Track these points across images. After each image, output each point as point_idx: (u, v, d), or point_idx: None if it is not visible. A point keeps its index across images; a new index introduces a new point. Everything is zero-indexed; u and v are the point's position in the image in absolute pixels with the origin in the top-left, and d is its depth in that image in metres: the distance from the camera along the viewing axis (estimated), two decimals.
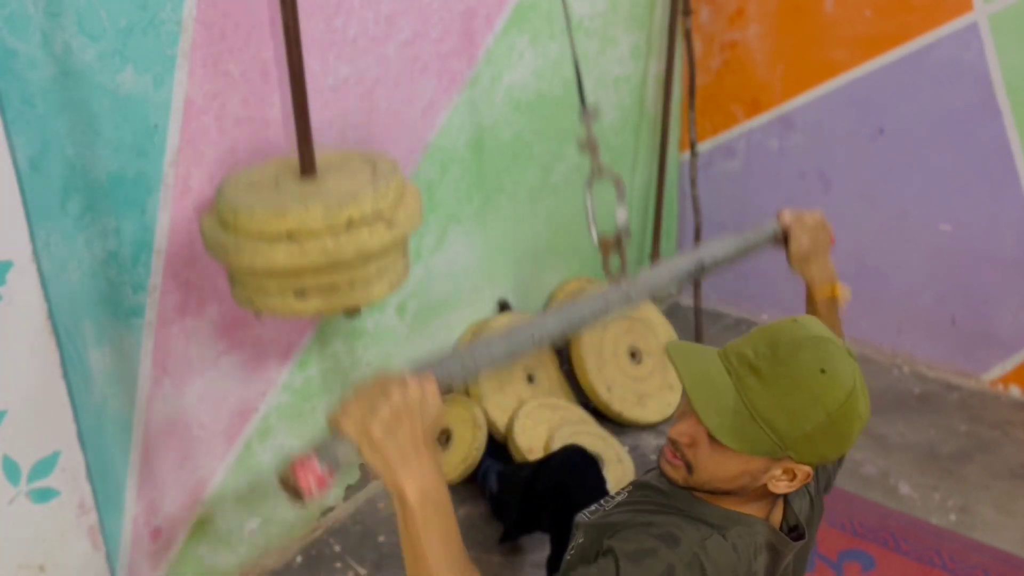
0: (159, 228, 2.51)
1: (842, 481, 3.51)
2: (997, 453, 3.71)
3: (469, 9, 3.24)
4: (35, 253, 2.14)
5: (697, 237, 4.47)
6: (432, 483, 1.42)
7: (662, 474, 1.82)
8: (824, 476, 2.03)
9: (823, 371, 1.55)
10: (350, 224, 2.28)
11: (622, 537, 1.65)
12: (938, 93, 3.87)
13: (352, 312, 2.51)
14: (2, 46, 2.05)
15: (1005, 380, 4.09)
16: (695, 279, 2.09)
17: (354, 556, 3.17)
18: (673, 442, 1.70)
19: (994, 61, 3.69)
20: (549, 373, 3.80)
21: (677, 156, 4.65)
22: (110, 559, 2.55)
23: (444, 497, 1.43)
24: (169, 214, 2.52)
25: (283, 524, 3.18)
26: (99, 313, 2.43)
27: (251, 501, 3.04)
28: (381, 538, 3.25)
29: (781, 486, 1.62)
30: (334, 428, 1.42)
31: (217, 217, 2.36)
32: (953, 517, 3.35)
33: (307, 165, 2.47)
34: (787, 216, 2.31)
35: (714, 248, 2.25)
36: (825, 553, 3.13)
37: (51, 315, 2.22)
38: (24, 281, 2.13)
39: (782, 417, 1.56)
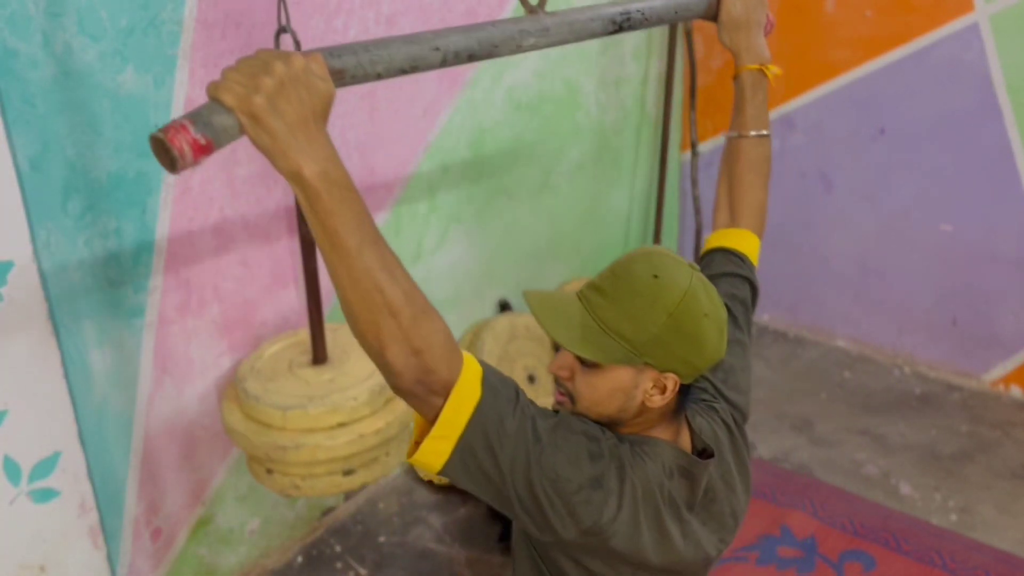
0: (160, 228, 2.51)
1: (843, 481, 3.52)
2: (998, 453, 3.71)
3: (470, 9, 3.24)
4: (36, 253, 2.14)
5: (698, 237, 4.47)
6: (330, 162, 1.30)
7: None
8: (730, 397, 1.99)
9: (655, 276, 1.58)
10: (387, 400, 2.62)
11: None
12: (939, 93, 3.87)
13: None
14: (3, 46, 2.05)
15: (1006, 380, 4.09)
16: (620, 30, 1.99)
17: (354, 556, 3.17)
18: (556, 379, 1.73)
19: (995, 61, 3.69)
20: (550, 374, 3.79)
21: (678, 156, 4.66)
22: (111, 559, 2.56)
23: (346, 177, 1.31)
24: (170, 214, 2.52)
25: (283, 524, 3.18)
26: (100, 313, 2.43)
27: (252, 501, 3.04)
28: (382, 538, 3.25)
29: (656, 399, 1.62)
30: (212, 97, 1.28)
31: (256, 420, 2.54)
32: (954, 517, 3.35)
33: (320, 355, 2.71)
34: None
35: (643, 1, 2.13)
36: (826, 553, 3.13)
37: (52, 315, 2.22)
38: (25, 281, 2.13)
39: (626, 324, 1.59)
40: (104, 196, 2.35)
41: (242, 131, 1.28)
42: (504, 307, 3.85)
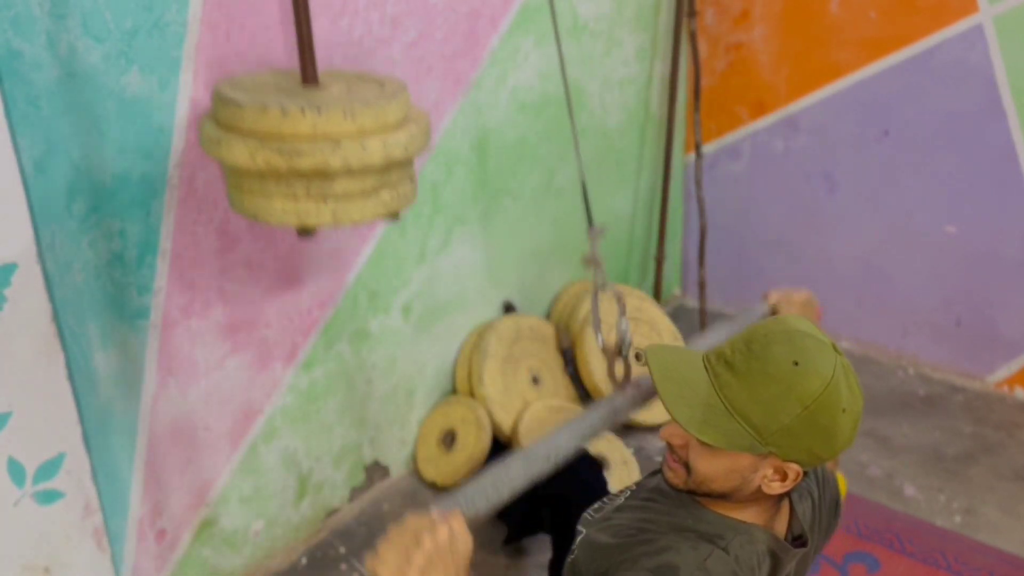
0: (164, 230, 2.51)
1: (847, 483, 3.52)
2: (1002, 455, 3.70)
3: (474, 11, 3.24)
4: (40, 255, 2.14)
5: (702, 239, 4.47)
6: None
7: (665, 478, 1.84)
8: (829, 487, 2.01)
9: (796, 363, 1.55)
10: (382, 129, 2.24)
11: (620, 571, 1.66)
12: (943, 95, 3.86)
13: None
14: (7, 47, 2.06)
15: (1010, 382, 4.09)
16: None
17: (359, 558, 3.17)
18: (668, 445, 1.72)
19: (999, 63, 3.68)
20: (554, 375, 3.80)
21: (682, 158, 4.66)
22: (115, 561, 2.56)
23: None
24: (174, 216, 2.52)
25: (288, 526, 3.18)
26: (104, 315, 2.43)
27: (256, 502, 3.04)
28: None
29: (775, 486, 1.62)
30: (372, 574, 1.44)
31: (247, 122, 2.20)
32: (958, 519, 3.34)
33: (309, 75, 2.39)
34: (774, 296, 2.32)
35: (710, 337, 2.26)
36: (830, 555, 3.12)
37: (56, 317, 2.22)
38: (29, 283, 2.13)
39: (757, 410, 1.57)
40: (108, 198, 2.35)
41: None
42: (509, 308, 3.85)
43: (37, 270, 2.15)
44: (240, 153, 2.13)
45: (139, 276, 2.49)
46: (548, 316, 4.12)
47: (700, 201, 4.44)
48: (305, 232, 2.31)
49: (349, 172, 2.17)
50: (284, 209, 2.21)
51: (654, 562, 1.61)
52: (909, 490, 3.49)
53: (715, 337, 2.25)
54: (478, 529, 3.25)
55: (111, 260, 2.41)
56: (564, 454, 1.85)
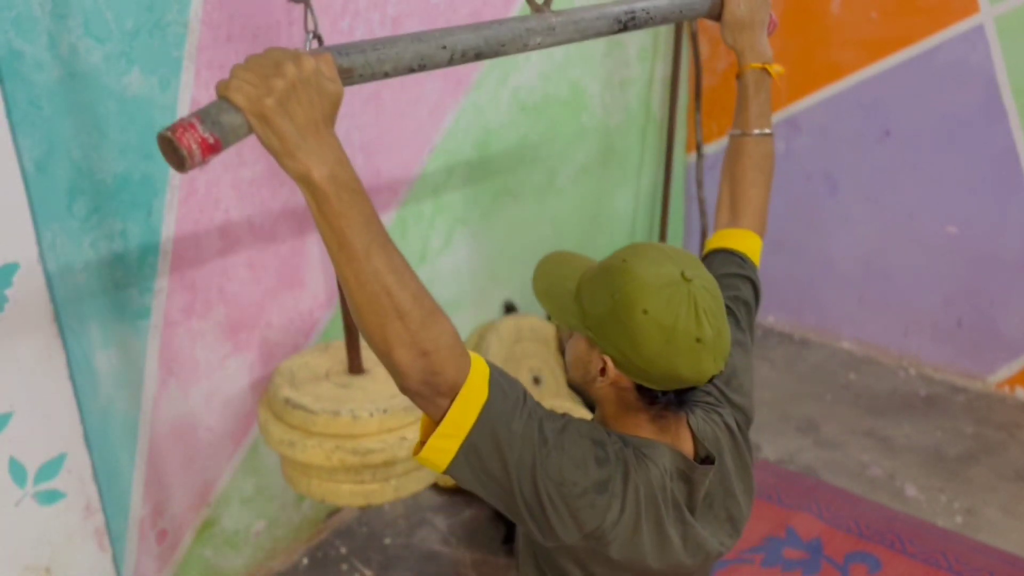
0: (165, 230, 2.51)
1: (848, 483, 3.52)
2: (1003, 455, 3.70)
3: (475, 11, 3.24)
4: (41, 255, 2.15)
5: (703, 239, 4.47)
6: (339, 164, 1.31)
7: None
8: (734, 400, 1.99)
9: (624, 260, 1.60)
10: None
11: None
12: (944, 95, 3.86)
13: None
14: (9, 48, 2.06)
15: (1011, 382, 4.09)
16: (625, 28, 2.00)
17: (360, 558, 3.17)
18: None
19: (1000, 63, 3.68)
20: (555, 375, 3.80)
21: (683, 158, 4.65)
22: (116, 561, 2.56)
23: (355, 179, 1.32)
24: (175, 216, 2.52)
25: (289, 526, 3.18)
26: (105, 315, 2.44)
27: (257, 503, 3.04)
28: (387, 540, 3.25)
29: (599, 381, 1.63)
30: (222, 96, 1.28)
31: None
32: (959, 519, 3.34)
33: (355, 366, 2.71)
34: None
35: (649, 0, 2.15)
36: (831, 555, 3.12)
37: (57, 317, 2.22)
38: (30, 283, 2.13)
39: (587, 294, 1.63)
40: (110, 198, 2.35)
41: (250, 131, 1.28)
42: (509, 309, 3.85)
43: (38, 270, 2.15)
44: (316, 455, 2.45)
45: (140, 276, 2.49)
46: (549, 316, 4.11)
47: (701, 201, 4.44)
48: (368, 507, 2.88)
49: (411, 458, 2.43)
50: (352, 492, 2.55)
51: (588, 430, 1.62)
52: (910, 490, 3.49)
53: (656, 2, 2.13)
54: (478, 529, 3.26)
55: (112, 260, 2.41)
56: (461, 49, 1.74)
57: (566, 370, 1.81)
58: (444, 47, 1.70)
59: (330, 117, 1.33)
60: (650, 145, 4.45)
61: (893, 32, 3.89)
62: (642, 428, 1.70)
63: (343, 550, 3.21)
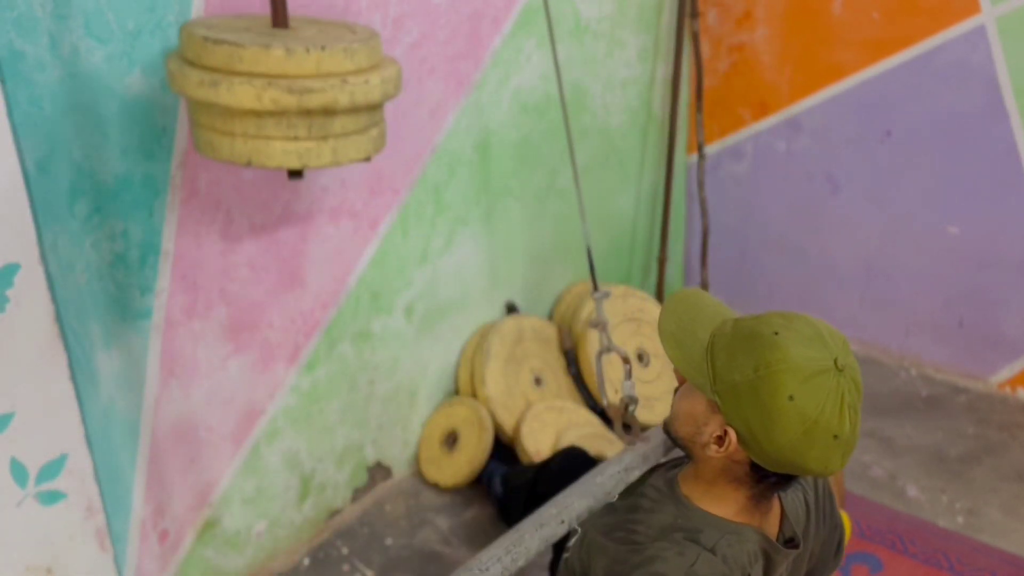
0: (166, 230, 2.51)
1: (849, 483, 3.51)
2: (1005, 456, 3.70)
3: (476, 12, 3.24)
4: (42, 256, 2.14)
5: (705, 239, 4.47)
6: None
7: (666, 471, 1.85)
8: (829, 509, 1.98)
9: (776, 333, 1.57)
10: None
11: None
12: (945, 96, 3.86)
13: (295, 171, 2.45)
14: (10, 48, 2.06)
15: (1013, 383, 4.08)
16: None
17: (361, 558, 3.17)
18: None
19: (1002, 63, 3.68)
20: (557, 376, 3.79)
21: (684, 158, 4.65)
22: (117, 561, 2.56)
23: None
24: (176, 217, 2.52)
25: (290, 526, 3.18)
26: (106, 315, 2.44)
27: (259, 503, 3.04)
28: (388, 540, 3.25)
29: (713, 448, 1.61)
30: None
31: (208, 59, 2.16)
32: (961, 520, 3.34)
33: (280, 18, 2.32)
34: None
35: None
36: None
37: (58, 317, 2.22)
38: (32, 284, 2.13)
39: (722, 357, 1.59)
40: (111, 198, 2.35)
41: None
42: (511, 309, 3.85)
43: (40, 271, 2.15)
44: (244, 94, 2.07)
45: (141, 277, 2.49)
46: (550, 317, 4.12)
47: (702, 202, 4.44)
48: (297, 174, 2.36)
49: (352, 109, 2.17)
50: (284, 150, 2.18)
51: (642, 572, 1.61)
52: (912, 491, 3.49)
53: None
54: (480, 530, 3.26)
55: (113, 261, 2.41)
56: (576, 515, 1.87)
57: (668, 421, 1.76)
58: (562, 521, 1.87)
59: None
60: (651, 146, 4.44)
61: (894, 32, 3.89)
62: (731, 505, 1.68)
63: (344, 550, 3.21)
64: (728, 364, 1.57)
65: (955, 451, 3.73)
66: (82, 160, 2.26)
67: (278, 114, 2.12)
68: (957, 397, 4.10)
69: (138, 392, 2.59)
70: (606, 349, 2.64)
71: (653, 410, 3.76)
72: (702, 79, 4.34)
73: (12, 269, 2.09)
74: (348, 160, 2.26)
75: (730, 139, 4.50)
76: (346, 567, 3.14)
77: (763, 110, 4.35)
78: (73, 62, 2.18)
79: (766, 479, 1.64)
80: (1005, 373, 4.10)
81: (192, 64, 2.17)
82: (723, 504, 1.69)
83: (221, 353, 2.78)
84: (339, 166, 2.43)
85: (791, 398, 1.51)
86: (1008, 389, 4.10)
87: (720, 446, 1.60)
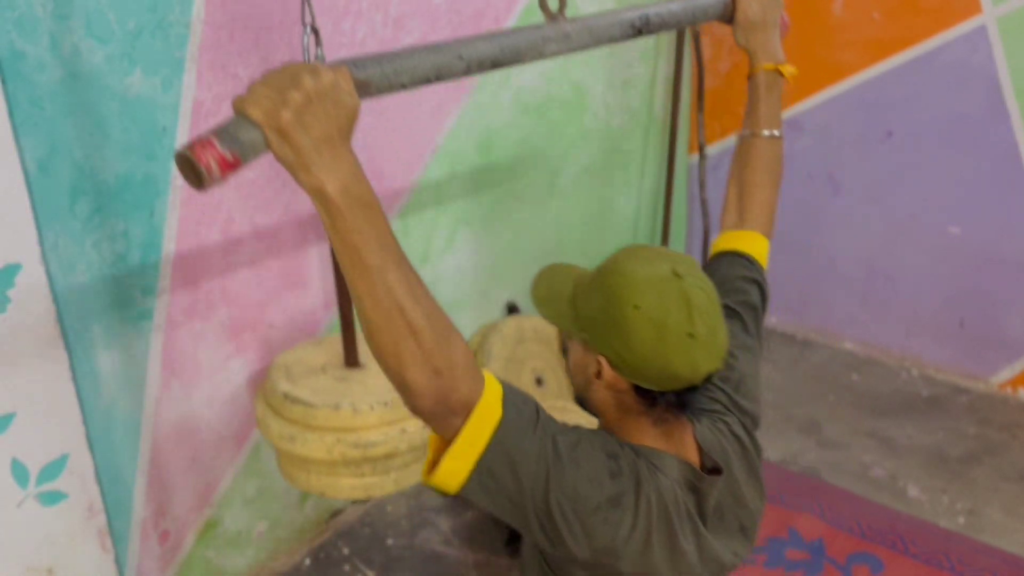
0: (167, 231, 2.51)
1: (850, 483, 3.51)
2: (1006, 456, 3.70)
3: (478, 11, 3.24)
4: (44, 256, 2.15)
5: (706, 239, 4.47)
6: (353, 178, 1.29)
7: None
8: (743, 405, 1.97)
9: (615, 260, 1.60)
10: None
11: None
12: (946, 96, 3.86)
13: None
14: (11, 48, 2.06)
15: (1014, 383, 4.08)
16: (639, 33, 2.01)
17: (362, 558, 3.17)
18: None
19: (1002, 64, 3.68)
20: (558, 376, 3.79)
21: (686, 158, 4.65)
22: (119, 561, 2.56)
23: (369, 193, 1.30)
24: (178, 217, 2.52)
25: (291, 527, 3.18)
26: (108, 316, 2.44)
27: (260, 504, 3.04)
28: (390, 541, 3.25)
29: (596, 384, 1.62)
30: (239, 112, 1.27)
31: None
32: (962, 520, 3.34)
33: (351, 359, 2.68)
34: None
35: (661, 5, 2.15)
36: (834, 556, 3.12)
37: (60, 318, 2.22)
38: (33, 284, 2.13)
39: (580, 295, 1.63)
40: (112, 198, 2.35)
41: (268, 146, 1.27)
42: (512, 309, 3.85)
43: (41, 271, 2.15)
44: (316, 449, 2.41)
45: (143, 277, 2.49)
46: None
47: (703, 202, 4.44)
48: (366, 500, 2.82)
49: (412, 450, 2.48)
50: (352, 486, 2.50)
51: (601, 443, 1.60)
52: (913, 491, 3.49)
53: (668, 6, 2.12)
54: (480, 530, 3.26)
55: (115, 261, 2.41)
56: (478, 60, 1.75)
57: (571, 383, 1.79)
58: (460, 57, 1.70)
59: (347, 131, 1.31)
60: (652, 146, 4.44)
61: (895, 33, 3.89)
62: (646, 435, 1.68)
63: (345, 551, 3.21)
64: (585, 302, 1.61)
65: (956, 451, 3.73)
66: (83, 160, 2.26)
67: (346, 462, 2.45)
68: (958, 397, 4.10)
69: (139, 392, 2.59)
70: None
71: None
72: (703, 79, 4.33)
73: (13, 269, 2.09)
74: (409, 485, 2.60)
75: (731, 139, 4.50)
76: (347, 567, 3.14)
77: None
78: (74, 62, 2.18)
79: (656, 401, 1.63)
80: (1006, 373, 4.10)
81: (276, 413, 2.55)
82: (637, 436, 1.69)
83: (222, 353, 2.78)
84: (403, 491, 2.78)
85: (636, 307, 1.53)
86: (1009, 389, 4.10)
87: (600, 378, 1.61)
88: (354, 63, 1.45)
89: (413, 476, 2.58)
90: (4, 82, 2.05)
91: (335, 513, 3.33)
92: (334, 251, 1.31)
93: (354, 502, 2.61)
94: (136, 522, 2.69)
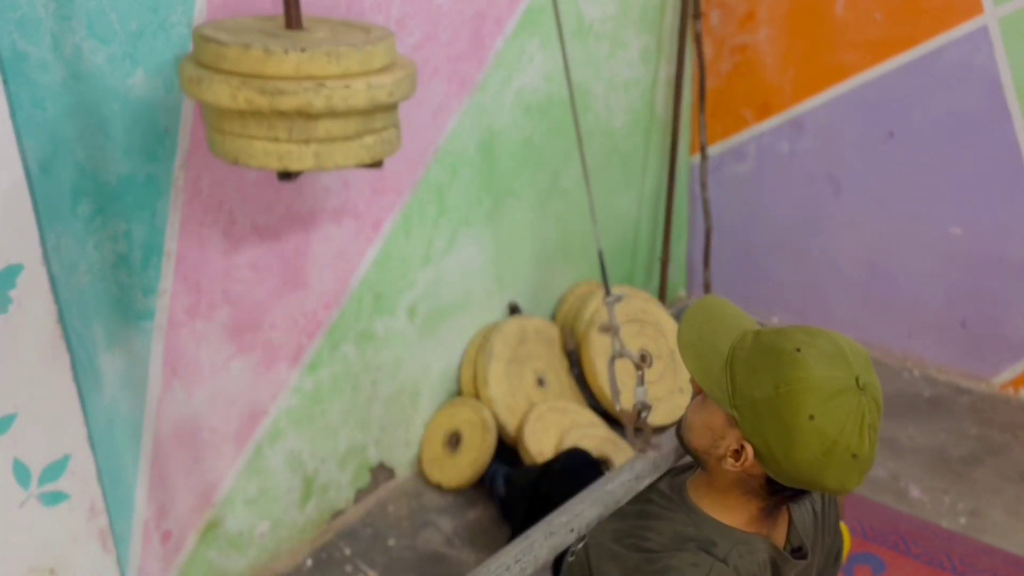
0: (169, 231, 2.51)
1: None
2: (1007, 456, 3.70)
3: (479, 12, 3.24)
4: (45, 256, 2.15)
5: (707, 240, 4.47)
6: None
7: (673, 477, 1.84)
8: (831, 519, 1.98)
9: (798, 350, 1.54)
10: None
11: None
12: (948, 96, 3.86)
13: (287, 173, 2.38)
14: (13, 49, 2.06)
15: (1016, 383, 4.08)
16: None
17: (364, 559, 3.17)
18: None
19: (1004, 64, 3.68)
20: (559, 377, 3.80)
21: (687, 159, 4.65)
22: (120, 562, 2.56)
23: None
24: (179, 217, 2.52)
25: (293, 527, 3.18)
26: (109, 316, 2.44)
27: (261, 504, 3.04)
28: (391, 541, 3.25)
29: (730, 462, 1.60)
30: None
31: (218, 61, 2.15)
32: (963, 520, 3.34)
33: (293, 19, 2.31)
34: None
35: None
36: None
37: (61, 318, 2.22)
38: (34, 284, 2.14)
39: (742, 372, 1.57)
40: (114, 199, 2.36)
41: None
42: (514, 310, 3.85)
43: (42, 271, 2.15)
44: (222, 92, 2.08)
45: (144, 278, 2.49)
46: (553, 318, 4.12)
47: (705, 203, 4.44)
48: (286, 176, 2.30)
49: (333, 114, 2.13)
50: (266, 151, 2.17)
51: (655, 568, 1.61)
52: (914, 492, 3.49)
53: None
54: (483, 531, 3.26)
55: (116, 262, 2.41)
56: (587, 523, 1.87)
57: (682, 430, 1.76)
58: (572, 530, 1.89)
59: None
60: (654, 146, 4.44)
61: (897, 33, 3.89)
62: (742, 515, 1.67)
63: (347, 551, 3.21)
64: (748, 379, 1.56)
65: (958, 452, 3.73)
66: (85, 161, 2.27)
67: (258, 114, 2.12)
68: (960, 398, 4.10)
69: (141, 393, 2.59)
70: (619, 354, 2.63)
71: (656, 410, 3.76)
72: (705, 80, 4.34)
73: (15, 270, 2.09)
74: (335, 166, 2.23)
75: (733, 140, 4.50)
76: (349, 568, 3.14)
77: (766, 111, 4.35)
78: (76, 63, 2.19)
79: (780, 492, 1.63)
80: (1008, 374, 4.10)
81: (191, 60, 2.19)
82: (734, 514, 1.69)
83: (224, 354, 2.78)
84: (326, 171, 2.41)
85: (812, 417, 1.49)
86: (1011, 390, 4.10)
87: (737, 460, 1.59)
88: None
89: (341, 155, 2.25)
90: (6, 83, 2.05)
91: (337, 514, 3.34)
92: None
93: (279, 176, 2.27)
94: (138, 522, 2.69)
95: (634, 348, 3.87)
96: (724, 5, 4.29)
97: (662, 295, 4.66)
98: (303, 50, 2.08)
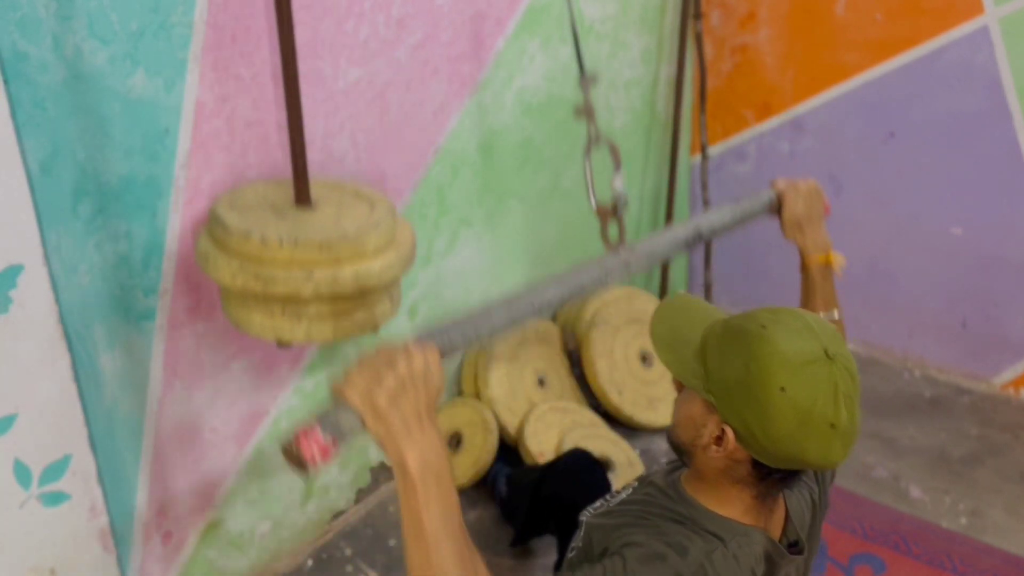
0: (170, 231, 2.51)
1: (852, 484, 3.51)
2: (1008, 457, 3.70)
3: (480, 12, 3.24)
4: (46, 257, 2.14)
5: (708, 240, 4.47)
6: (434, 453, 1.41)
7: (667, 474, 1.85)
8: (821, 489, 1.99)
9: (763, 327, 1.56)
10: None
11: (632, 538, 1.65)
12: (949, 96, 3.86)
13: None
14: (13, 49, 2.06)
15: (1016, 384, 4.08)
16: (692, 247, 2.11)
17: (365, 559, 3.17)
18: None
19: (1005, 64, 3.68)
20: (560, 377, 3.80)
21: (688, 159, 4.65)
22: (121, 562, 2.56)
23: (445, 468, 1.42)
24: (180, 217, 2.52)
25: (294, 527, 3.18)
26: (110, 316, 2.44)
27: (262, 504, 3.04)
28: (392, 541, 3.25)
29: (713, 449, 1.61)
30: (337, 397, 1.43)
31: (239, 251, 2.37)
32: (964, 521, 3.34)
33: (302, 196, 2.52)
34: (781, 183, 2.35)
35: (711, 217, 2.28)
36: (836, 557, 3.12)
37: (62, 319, 2.22)
38: (35, 285, 2.13)
39: (714, 355, 1.60)
40: (114, 199, 2.35)
41: (364, 427, 1.43)
42: None
43: (43, 272, 2.15)
44: (224, 273, 2.29)
45: (145, 278, 2.49)
46: (554, 318, 4.11)
47: (706, 203, 4.45)
48: (282, 344, 2.50)
49: (320, 299, 2.32)
50: (262, 324, 2.39)
51: (667, 538, 1.61)
52: (915, 492, 3.49)
53: (719, 217, 2.32)
54: (484, 531, 3.26)
55: (117, 262, 2.41)
56: (550, 305, 1.84)
57: (670, 429, 1.77)
58: (533, 305, 1.85)
59: (433, 407, 1.44)
60: (655, 147, 4.44)
61: (897, 33, 3.89)
62: (737, 506, 1.68)
63: (348, 551, 3.21)
64: (720, 363, 1.58)
65: (958, 452, 3.73)
66: (85, 161, 2.26)
67: (255, 295, 2.33)
68: (960, 398, 4.10)
69: (141, 393, 2.59)
70: (595, 140, 2.55)
71: (656, 411, 3.77)
72: (705, 80, 4.34)
73: (15, 270, 2.09)
74: (325, 340, 2.44)
75: (733, 140, 4.50)
76: (349, 568, 3.14)
77: (766, 111, 4.36)
78: (76, 63, 2.18)
79: (769, 476, 1.64)
80: (1008, 374, 4.10)
81: (207, 233, 2.43)
82: (730, 505, 1.69)
83: (225, 354, 2.78)
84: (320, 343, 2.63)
85: (783, 389, 1.51)
86: (1011, 390, 4.10)
87: (719, 446, 1.60)
88: (439, 334, 1.60)
89: (328, 329, 2.42)
90: (7, 83, 2.05)
91: (338, 514, 3.33)
92: (401, 513, 1.43)
93: (279, 344, 2.45)
94: (139, 523, 2.69)
95: (635, 348, 3.88)
96: (724, 5, 4.29)
97: (663, 296, 4.66)
98: (295, 242, 2.27)
